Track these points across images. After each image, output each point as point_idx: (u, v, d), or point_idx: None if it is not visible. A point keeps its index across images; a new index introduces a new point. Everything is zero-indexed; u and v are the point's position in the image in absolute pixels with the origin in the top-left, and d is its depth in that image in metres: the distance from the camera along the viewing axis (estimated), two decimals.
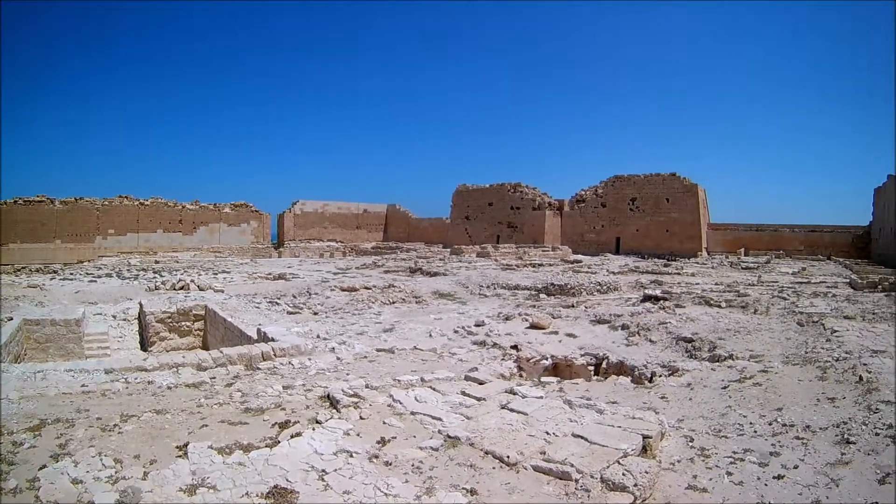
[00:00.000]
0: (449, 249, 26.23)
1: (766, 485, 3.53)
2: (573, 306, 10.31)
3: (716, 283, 14.41)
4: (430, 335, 7.88)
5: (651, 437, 3.52)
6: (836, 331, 8.29)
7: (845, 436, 4.23)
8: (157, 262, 22.01)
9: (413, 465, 3.03)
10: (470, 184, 35.96)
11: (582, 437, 3.40)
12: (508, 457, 3.09)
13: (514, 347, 7.31)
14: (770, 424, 4.66)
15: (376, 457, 3.12)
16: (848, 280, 15.27)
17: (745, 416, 4.84)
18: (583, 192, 32.44)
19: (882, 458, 3.83)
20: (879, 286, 13.46)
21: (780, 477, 3.63)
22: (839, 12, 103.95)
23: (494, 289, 12.83)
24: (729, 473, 3.60)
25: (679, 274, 17.44)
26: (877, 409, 4.76)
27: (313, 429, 3.49)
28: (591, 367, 7.21)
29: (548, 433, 3.47)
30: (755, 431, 4.50)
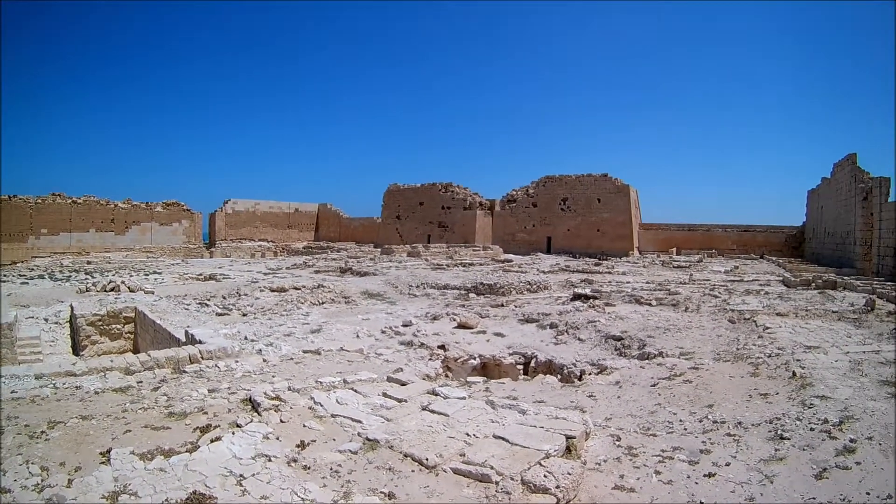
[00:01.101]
0: (380, 249, 36.04)
1: (696, 483, 4.52)
2: (502, 305, 14.14)
3: (647, 282, 20.06)
4: (358, 336, 10.72)
5: (575, 438, 4.69)
6: (768, 327, 11.20)
7: (779, 432, 5.64)
8: (89, 262, 30.18)
9: (331, 469, 4.12)
10: (401, 183, 50.89)
11: (503, 439, 4.61)
12: (427, 459, 4.23)
13: (442, 347, 9.96)
14: (701, 422, 6.07)
15: (295, 461, 4.25)
16: (781, 278, 21.88)
17: (674, 414, 6.27)
18: (514, 192, 46.13)
19: (818, 453, 5.15)
20: (813, 283, 18.97)
21: (711, 475, 4.69)
22: (771, 11, 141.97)
23: (424, 288, 17.50)
24: (657, 472, 4.60)
25: (610, 273, 24.28)
26: (811, 404, 6.46)
27: (233, 433, 4.77)
28: (520, 367, 9.75)
29: (468, 434, 4.73)
30: (685, 429, 5.82)
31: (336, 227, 57.93)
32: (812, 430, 5.66)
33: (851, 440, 5.35)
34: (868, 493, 4.34)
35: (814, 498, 4.30)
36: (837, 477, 4.64)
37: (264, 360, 7.99)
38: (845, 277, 20.45)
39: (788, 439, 5.43)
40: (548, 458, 4.36)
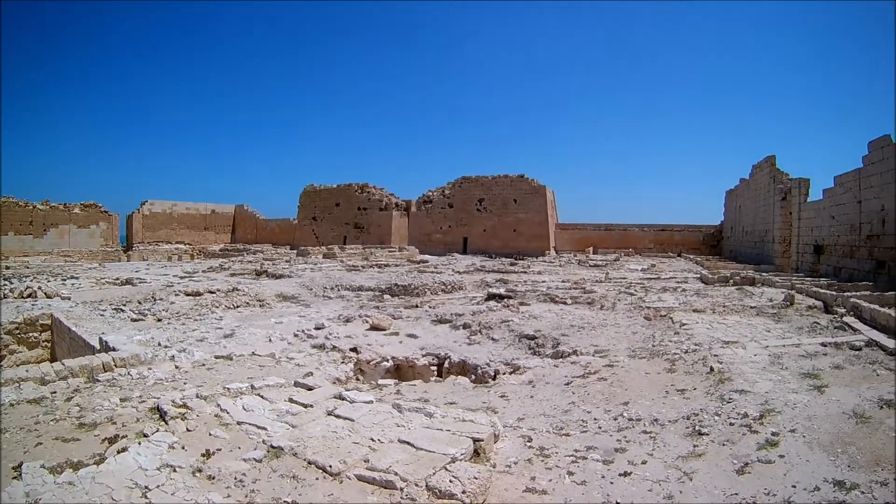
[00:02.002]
0: (296, 251, 38.78)
1: (611, 483, 4.69)
2: (416, 306, 15.33)
3: (562, 281, 21.95)
4: (270, 340, 11.36)
5: (482, 440, 5.07)
6: (684, 324, 11.87)
7: (697, 427, 5.88)
8: (7, 267, 31.33)
9: (236, 479, 4.39)
10: (318, 184, 55.58)
11: (408, 443, 4.94)
12: (331, 466, 4.54)
13: (354, 350, 10.72)
14: (616, 420, 6.33)
15: (199, 471, 4.52)
16: (698, 275, 23.80)
17: (589, 413, 6.58)
18: (430, 193, 50.65)
19: (739, 447, 5.36)
20: (731, 280, 20.51)
21: (626, 474, 4.85)
22: (688, 11, 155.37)
23: (338, 290, 18.97)
24: (570, 473, 4.79)
25: (525, 272, 26.53)
26: (730, 398, 6.78)
27: (139, 443, 5.08)
28: (434, 368, 10.59)
29: (373, 440, 5.08)
30: (600, 428, 6.09)
31: (252, 229, 62.24)
32: (731, 424, 5.91)
33: (773, 433, 5.58)
34: (794, 487, 4.49)
35: (736, 493, 4.44)
36: (760, 471, 4.82)
37: (176, 367, 8.51)
38: (764, 274, 22.16)
39: (707, 435, 5.66)
40: (454, 462, 4.62)
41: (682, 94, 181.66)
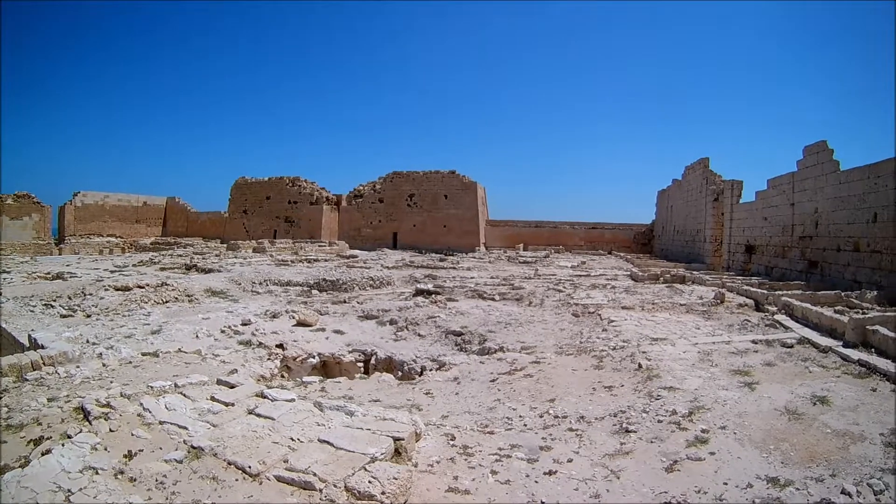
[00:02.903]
0: (226, 245, 39.43)
1: (536, 482, 4.70)
2: (344, 302, 15.93)
3: (491, 277, 22.58)
4: (197, 336, 11.55)
5: (403, 439, 5.18)
6: (613, 321, 12.16)
7: (624, 425, 5.96)
8: None
9: (157, 481, 4.51)
10: (249, 176, 56.37)
11: (328, 443, 5.08)
12: (251, 467, 4.64)
13: (280, 346, 11.02)
14: (541, 417, 6.39)
15: (122, 472, 4.69)
16: (629, 273, 24.50)
17: (514, 410, 6.67)
18: (361, 188, 52.15)
19: (668, 445, 5.42)
20: (661, 278, 21.25)
21: (552, 473, 4.85)
22: (625, 9, 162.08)
23: (267, 285, 19.61)
24: (494, 472, 4.85)
25: (455, 268, 27.46)
26: (658, 395, 6.93)
27: (63, 444, 5.25)
28: (360, 364, 11.02)
29: (293, 439, 5.20)
30: (525, 425, 6.14)
31: (184, 222, 62.33)
32: (660, 422, 6.02)
33: (703, 430, 5.68)
34: (725, 484, 4.53)
35: (665, 492, 4.45)
36: (690, 469, 4.85)
37: (104, 365, 8.59)
38: (695, 272, 23.03)
39: (635, 432, 5.74)
40: (374, 462, 4.72)
41: (615, 94, 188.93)
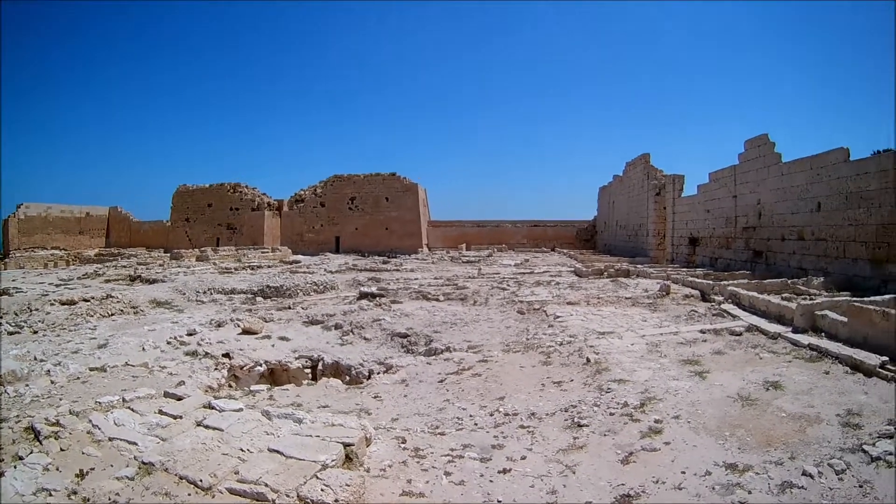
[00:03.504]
0: (169, 254, 40.09)
1: (491, 482, 4.71)
2: (289, 308, 16.23)
3: (435, 278, 23.11)
4: (144, 348, 11.56)
5: (353, 445, 5.25)
6: (558, 316, 12.37)
7: (576, 419, 6.02)
8: None
9: (110, 499, 4.58)
10: (191, 184, 57.11)
11: (278, 452, 5.13)
12: (202, 480, 4.65)
13: (227, 355, 11.16)
14: (492, 415, 6.42)
15: (75, 493, 4.70)
16: (572, 269, 25.29)
17: (464, 409, 6.72)
18: (302, 192, 53.30)
19: (622, 437, 5.48)
20: (605, 273, 21.81)
21: (506, 471, 4.85)
22: (559, 8, 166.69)
23: (211, 294, 19.72)
24: (448, 473, 4.86)
25: (398, 270, 28.18)
26: (609, 388, 7.02)
27: (15, 466, 5.31)
28: (308, 371, 11.17)
29: (242, 450, 5.24)
30: (476, 424, 6.18)
31: (127, 232, 63.14)
32: (612, 414, 6.10)
33: (656, 421, 5.75)
34: (683, 473, 4.58)
35: (623, 484, 4.47)
36: (646, 460, 4.90)
37: (52, 382, 8.71)
38: (639, 266, 23.79)
39: (587, 426, 5.80)
40: (325, 469, 4.76)
41: (554, 92, 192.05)
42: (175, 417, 6.37)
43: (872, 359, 7.37)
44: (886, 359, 7.32)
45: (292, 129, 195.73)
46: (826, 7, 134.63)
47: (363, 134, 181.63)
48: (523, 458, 5.10)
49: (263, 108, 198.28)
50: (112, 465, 5.14)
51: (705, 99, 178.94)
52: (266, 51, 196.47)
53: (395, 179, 49.82)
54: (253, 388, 9.22)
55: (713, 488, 4.28)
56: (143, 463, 5.13)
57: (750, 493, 4.19)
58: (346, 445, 5.20)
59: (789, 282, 14.55)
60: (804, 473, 4.37)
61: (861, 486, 4.20)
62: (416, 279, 22.69)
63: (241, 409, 6.51)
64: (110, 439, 5.81)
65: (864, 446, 4.78)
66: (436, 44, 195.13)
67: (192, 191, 55.82)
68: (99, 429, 6.12)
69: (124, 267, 31.94)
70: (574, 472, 4.74)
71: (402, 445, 5.62)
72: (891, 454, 4.56)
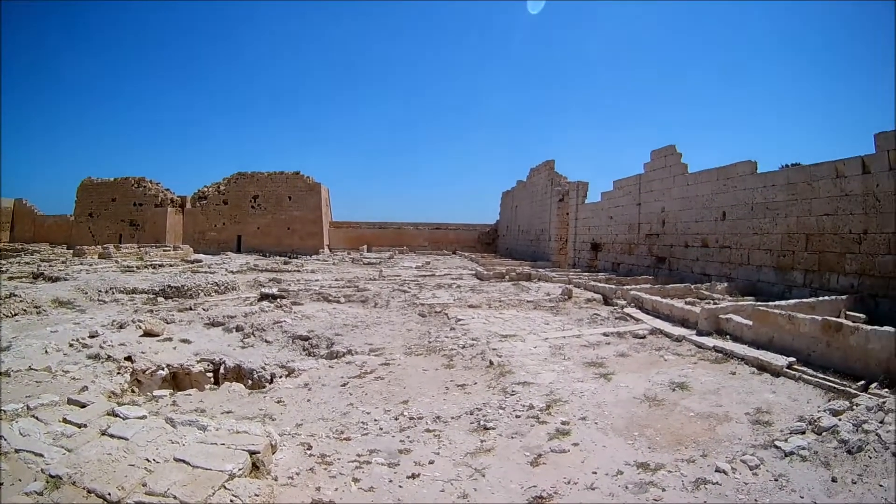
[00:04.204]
0: (73, 251, 40.52)
1: (400, 487, 4.72)
2: (190, 309, 16.34)
3: (336, 279, 23.66)
4: (47, 351, 11.38)
5: (259, 452, 5.27)
6: (460, 319, 12.61)
7: (482, 422, 6.10)
8: None
9: None
10: (96, 177, 56.78)
11: (184, 462, 5.07)
12: (110, 494, 4.64)
13: (129, 359, 11.07)
14: (397, 419, 6.45)
15: None
16: (474, 272, 25.68)
17: (368, 414, 6.77)
18: (205, 189, 53.58)
19: (529, 439, 5.57)
20: (507, 276, 22.33)
21: (415, 476, 4.86)
22: (465, 11, 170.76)
23: (113, 293, 19.76)
24: (356, 480, 4.87)
25: (299, 271, 28.95)
26: (513, 391, 7.18)
27: None
28: (210, 374, 11.17)
29: (148, 460, 5.17)
30: (381, 429, 6.21)
31: (31, 227, 63.26)
32: (518, 417, 6.21)
33: (564, 422, 5.89)
34: (594, 473, 4.69)
35: (534, 486, 4.52)
36: (556, 461, 4.98)
37: None
38: (541, 270, 24.50)
39: (494, 429, 5.88)
40: (233, 479, 4.74)
41: (460, 95, 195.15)
42: (80, 426, 6.26)
43: (780, 360, 7.88)
44: (794, 359, 7.87)
45: (201, 122, 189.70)
46: (735, 17, 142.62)
47: (269, 130, 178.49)
48: (431, 462, 5.10)
49: (172, 99, 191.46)
50: (20, 480, 4.98)
51: (612, 109, 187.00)
52: (177, 44, 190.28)
53: (299, 178, 50.63)
54: (156, 393, 9.26)
55: (626, 487, 4.39)
56: (51, 476, 5.00)
57: (664, 490, 4.32)
58: (252, 453, 5.21)
59: (693, 287, 15.35)
60: (717, 470, 4.55)
61: (777, 480, 4.41)
62: (317, 280, 23.08)
63: (144, 417, 6.44)
64: (16, 451, 5.64)
65: (777, 442, 5.04)
66: (341, 41, 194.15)
67: (97, 184, 55.18)
68: (5, 439, 5.94)
69: (27, 264, 32.36)
70: (484, 475, 4.76)
71: (309, 452, 5.60)
72: (804, 449, 4.83)
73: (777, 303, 10.83)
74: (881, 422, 5.23)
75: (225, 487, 4.64)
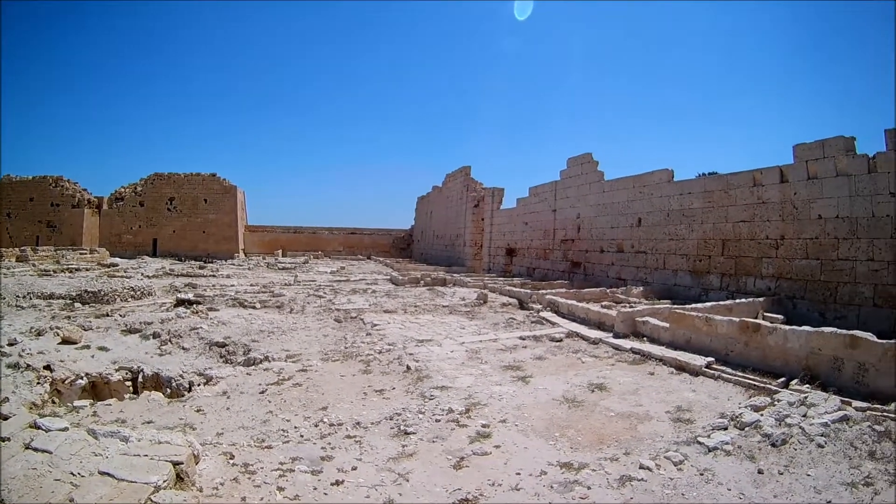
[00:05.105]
0: None
1: (325, 494, 4.70)
2: (107, 315, 15.88)
3: (251, 285, 23.66)
4: None
5: (183, 463, 5.18)
6: (376, 324, 12.70)
7: (402, 427, 6.15)
8: None
9: None
10: (14, 175, 54.57)
11: (109, 475, 4.98)
12: None
13: (48, 368, 10.85)
14: (317, 426, 6.45)
15: None
16: (389, 277, 26.00)
17: (288, 421, 6.74)
18: (122, 190, 52.42)
19: (451, 443, 5.63)
20: (422, 281, 22.50)
21: (339, 482, 4.85)
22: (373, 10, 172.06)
23: (31, 299, 19.35)
24: (281, 489, 4.85)
25: (214, 276, 28.84)
26: (432, 396, 7.26)
27: None
28: (129, 383, 10.95)
29: (73, 474, 5.04)
30: (302, 436, 6.17)
31: None
32: (438, 421, 6.29)
33: (484, 425, 5.97)
34: (518, 474, 4.75)
35: (459, 489, 4.56)
36: (479, 463, 5.04)
37: None
38: (456, 275, 24.77)
39: (415, 433, 5.93)
40: (158, 491, 4.70)
41: (375, 100, 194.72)
42: (3, 440, 6.07)
43: (698, 360, 8.23)
44: (712, 359, 8.23)
45: (120, 118, 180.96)
46: (653, 23, 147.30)
47: (187, 129, 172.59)
48: (354, 468, 5.09)
49: (91, 93, 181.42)
50: None
51: (529, 116, 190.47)
52: (86, 44, 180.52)
53: (215, 180, 49.87)
54: (76, 403, 9.10)
55: (551, 487, 4.46)
56: None
57: (589, 489, 4.41)
58: (175, 464, 5.14)
59: (608, 291, 15.84)
60: (642, 467, 4.69)
61: (702, 474, 4.59)
62: (232, 285, 23.01)
63: (66, 429, 6.23)
64: None
65: (700, 438, 5.26)
66: (259, 42, 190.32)
67: (15, 182, 53.41)
68: None
69: None
70: (408, 480, 4.78)
71: (231, 461, 5.55)
72: (728, 444, 5.04)
73: (694, 305, 11.30)
74: (804, 416, 5.53)
75: (151, 500, 4.58)
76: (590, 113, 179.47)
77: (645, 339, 9.96)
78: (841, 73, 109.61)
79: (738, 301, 12.21)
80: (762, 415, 5.72)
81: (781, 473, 4.54)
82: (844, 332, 7.18)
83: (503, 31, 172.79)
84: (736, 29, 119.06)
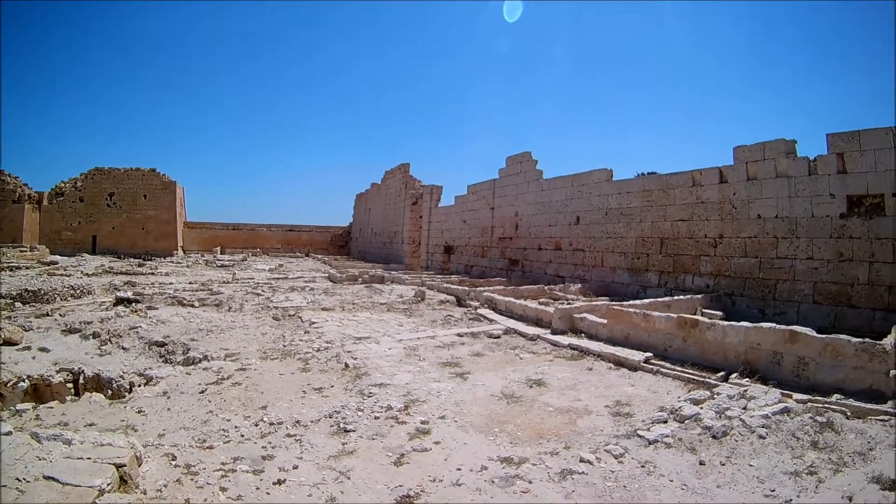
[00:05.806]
0: None
1: (268, 493, 4.70)
2: (47, 315, 15.67)
3: (190, 282, 23.48)
4: None
5: (125, 465, 5.12)
6: (314, 322, 12.70)
7: (342, 425, 6.18)
8: None
9: None
10: None
11: (54, 479, 4.90)
12: None
13: None
14: (257, 425, 6.42)
15: None
16: (327, 275, 25.94)
17: (229, 420, 6.70)
18: (62, 185, 50.88)
19: (390, 440, 5.69)
20: (360, 279, 22.54)
21: (281, 482, 4.85)
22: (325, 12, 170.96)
23: None
24: (224, 489, 4.83)
25: (154, 274, 28.80)
26: (370, 393, 7.31)
27: None
28: (70, 385, 10.80)
29: (19, 479, 4.96)
30: (242, 436, 6.14)
31: None
32: (377, 418, 6.33)
33: (423, 422, 6.04)
34: (459, 470, 4.81)
35: (400, 485, 4.60)
36: (419, 460, 5.10)
37: None
38: (393, 272, 24.88)
39: (354, 431, 5.96)
40: (102, 494, 4.67)
41: (316, 96, 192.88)
42: None
43: (637, 355, 8.42)
44: (651, 355, 8.43)
45: (63, 110, 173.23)
46: (597, 26, 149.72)
47: (129, 122, 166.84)
48: (295, 467, 5.09)
49: (32, 84, 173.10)
50: None
51: (468, 114, 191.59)
52: (26, 39, 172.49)
53: (155, 176, 49.08)
54: (19, 406, 8.80)
55: (493, 482, 4.53)
56: None
57: (531, 482, 4.49)
58: (118, 466, 5.05)
59: (546, 288, 16.11)
60: (582, 460, 4.80)
61: (643, 466, 4.71)
62: (171, 283, 22.79)
63: (10, 433, 6.07)
64: None
65: (640, 432, 5.40)
66: (204, 40, 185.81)
67: None
68: None
69: None
70: (349, 478, 4.80)
71: (174, 462, 5.49)
72: (668, 437, 5.20)
73: (632, 302, 11.57)
74: (744, 408, 5.75)
75: None
76: (529, 111, 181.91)
77: (583, 335, 10.16)
78: (787, 78, 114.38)
79: (676, 298, 12.57)
80: (702, 408, 5.92)
81: (723, 464, 4.71)
82: (784, 327, 7.48)
83: (443, 26, 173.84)
84: (685, 30, 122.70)
